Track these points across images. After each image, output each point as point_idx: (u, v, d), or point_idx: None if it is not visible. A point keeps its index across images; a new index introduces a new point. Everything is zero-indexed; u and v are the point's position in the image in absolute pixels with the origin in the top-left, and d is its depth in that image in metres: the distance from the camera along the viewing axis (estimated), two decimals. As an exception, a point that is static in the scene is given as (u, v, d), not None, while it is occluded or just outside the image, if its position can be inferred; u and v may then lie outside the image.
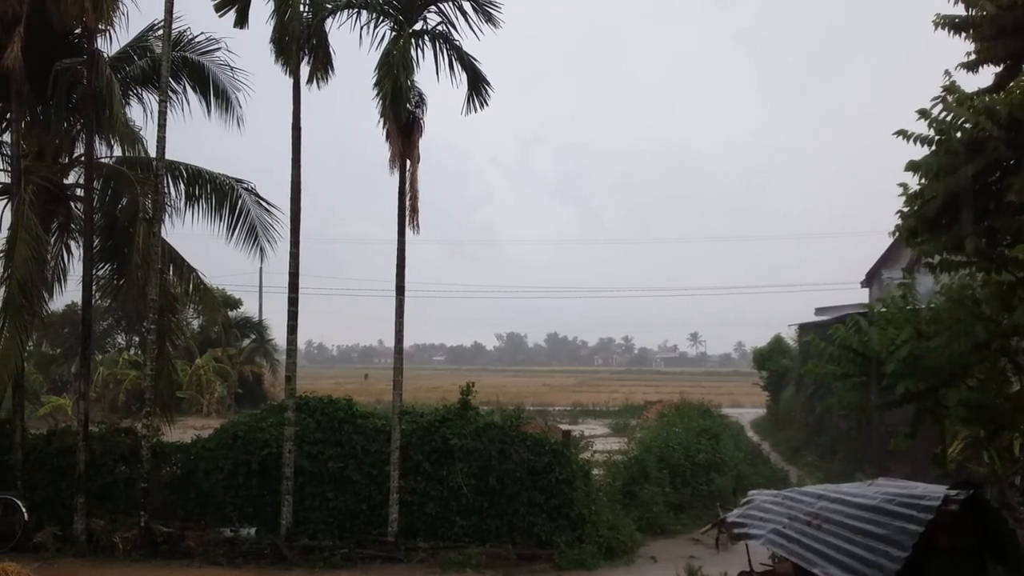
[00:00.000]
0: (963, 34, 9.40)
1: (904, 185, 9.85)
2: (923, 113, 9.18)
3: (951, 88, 9.22)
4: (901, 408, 12.31)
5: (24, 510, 15.80)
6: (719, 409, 41.06)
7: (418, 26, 15.92)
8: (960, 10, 9.55)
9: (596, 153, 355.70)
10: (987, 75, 9.85)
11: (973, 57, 9.54)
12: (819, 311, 37.19)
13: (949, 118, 8.96)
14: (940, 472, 13.71)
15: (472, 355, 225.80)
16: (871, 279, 36.72)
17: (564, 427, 23.56)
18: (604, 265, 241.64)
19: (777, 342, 41.39)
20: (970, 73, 9.63)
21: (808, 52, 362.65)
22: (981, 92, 9.33)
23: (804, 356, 30.26)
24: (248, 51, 17.27)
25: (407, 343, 17.88)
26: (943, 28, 9.46)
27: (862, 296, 36.17)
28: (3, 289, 15.31)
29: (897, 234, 10.21)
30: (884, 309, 12.43)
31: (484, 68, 16.13)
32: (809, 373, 14.91)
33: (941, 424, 12.51)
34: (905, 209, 9.72)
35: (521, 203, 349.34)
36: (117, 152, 17.96)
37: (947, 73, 9.35)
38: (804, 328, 36.12)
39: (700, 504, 19.54)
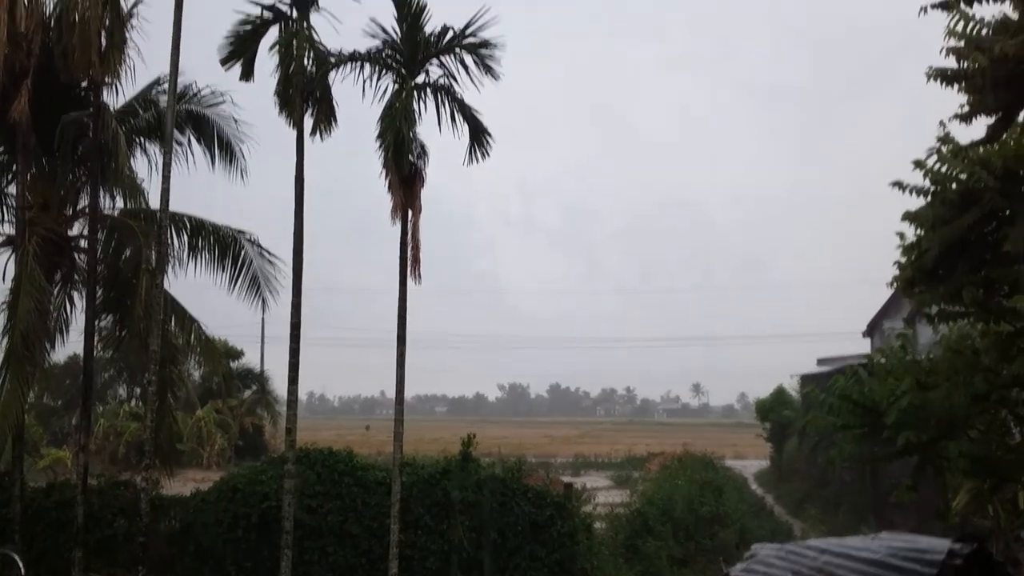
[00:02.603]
0: (955, 86, 9.52)
1: (901, 235, 9.91)
2: (919, 164, 9.26)
3: (946, 139, 9.31)
4: (904, 460, 12.24)
5: (21, 564, 15.63)
6: (722, 461, 40.85)
7: (420, 79, 16.14)
8: (952, 62, 9.68)
9: (598, 203, 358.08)
10: (980, 127, 9.96)
11: (966, 109, 9.65)
12: (821, 361, 37.21)
13: (944, 169, 9.04)
14: (945, 525, 13.59)
15: (474, 406, 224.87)
16: (872, 329, 36.75)
17: (566, 479, 23.40)
18: (606, 316, 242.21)
19: (779, 393, 41.25)
20: (964, 124, 9.72)
21: (809, 104, 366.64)
22: (975, 143, 9.42)
23: (806, 407, 30.14)
24: (252, 99, 17.49)
25: (408, 394, 17.86)
26: (935, 80, 9.58)
27: (864, 346, 36.16)
28: (5, 340, 15.33)
29: (895, 284, 10.25)
30: (883, 360, 12.42)
31: (485, 119, 16.35)
32: (811, 425, 14.86)
33: (943, 476, 12.43)
34: (902, 259, 9.76)
35: (523, 253, 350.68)
36: (120, 204, 18.11)
37: (941, 124, 9.44)
38: (806, 379, 36.07)
39: (703, 558, 19.39)
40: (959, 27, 8.97)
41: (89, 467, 16.63)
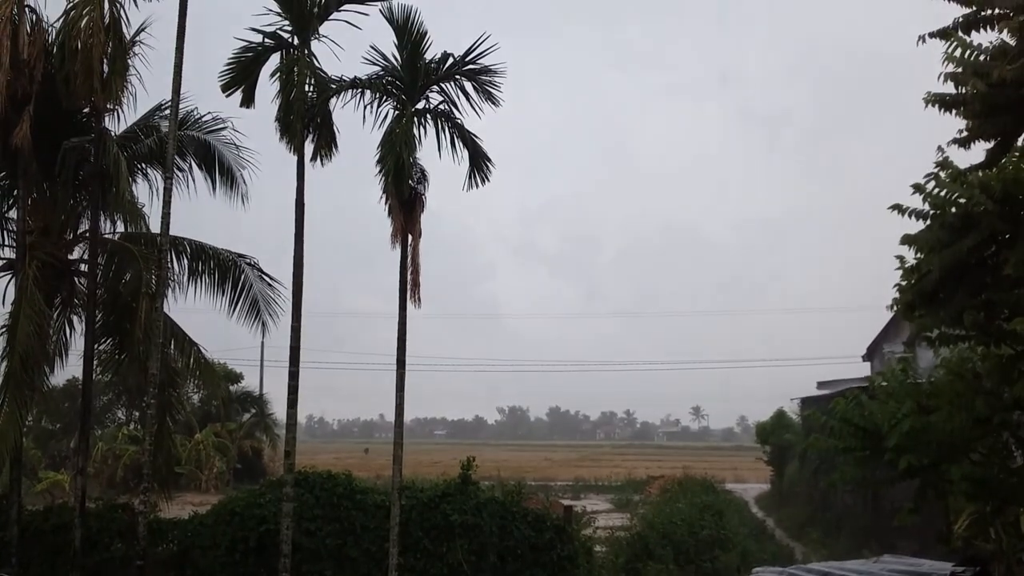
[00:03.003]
0: (954, 111, 9.57)
1: (901, 258, 9.92)
2: (918, 188, 9.28)
3: (944, 164, 9.34)
4: (906, 483, 12.20)
5: (18, 588, 15.58)
6: (722, 484, 40.72)
7: (420, 105, 16.22)
8: (950, 88, 9.74)
9: (598, 227, 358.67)
10: (979, 151, 10.01)
11: (965, 134, 9.70)
12: (821, 385, 37.12)
13: (943, 193, 9.06)
14: (947, 549, 13.53)
15: (474, 429, 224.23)
16: (872, 353, 36.77)
17: (566, 502, 23.35)
18: (607, 339, 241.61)
19: (780, 416, 41.17)
20: (962, 149, 9.77)
21: (808, 129, 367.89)
22: (974, 168, 9.46)
23: (807, 430, 30.07)
24: (253, 123, 17.55)
25: (408, 417, 17.81)
26: (933, 105, 9.64)
27: (864, 370, 36.16)
28: (4, 363, 15.31)
29: (895, 308, 10.24)
30: (884, 383, 12.40)
31: (486, 144, 16.42)
32: (811, 447, 14.83)
33: (945, 499, 12.39)
34: (903, 283, 9.76)
35: (523, 276, 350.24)
36: (121, 228, 18.15)
37: (940, 149, 9.48)
38: (806, 402, 36.02)
39: (704, 582, 19.29)
40: (957, 53, 9.04)
41: (87, 490, 16.60)
